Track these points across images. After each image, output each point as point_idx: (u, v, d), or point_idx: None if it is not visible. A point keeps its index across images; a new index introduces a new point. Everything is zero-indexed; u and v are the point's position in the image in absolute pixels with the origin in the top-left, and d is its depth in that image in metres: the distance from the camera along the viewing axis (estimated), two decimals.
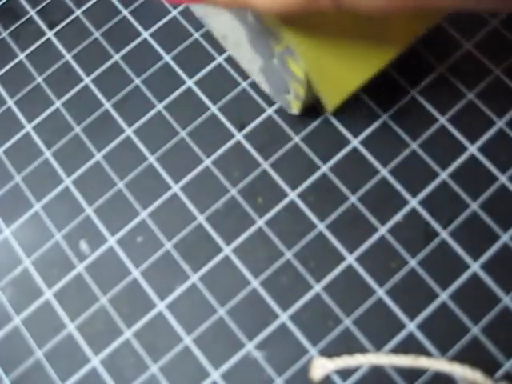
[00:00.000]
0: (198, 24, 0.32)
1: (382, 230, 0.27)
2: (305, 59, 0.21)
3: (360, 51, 0.22)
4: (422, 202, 0.28)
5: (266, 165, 0.29)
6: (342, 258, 0.27)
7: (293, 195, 0.28)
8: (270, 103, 0.30)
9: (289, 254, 0.28)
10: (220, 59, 0.31)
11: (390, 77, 0.30)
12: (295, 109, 0.28)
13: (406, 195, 0.28)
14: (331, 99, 0.23)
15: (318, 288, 0.27)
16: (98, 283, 0.28)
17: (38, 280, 0.28)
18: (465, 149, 0.28)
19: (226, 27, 0.28)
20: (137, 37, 0.32)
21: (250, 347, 0.26)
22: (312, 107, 0.30)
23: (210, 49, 0.31)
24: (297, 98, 0.26)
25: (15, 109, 0.32)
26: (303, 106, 0.27)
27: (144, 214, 0.29)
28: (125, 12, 0.33)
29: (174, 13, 0.32)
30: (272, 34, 0.23)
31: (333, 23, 0.21)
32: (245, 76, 0.31)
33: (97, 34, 0.33)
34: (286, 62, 0.24)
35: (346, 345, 0.26)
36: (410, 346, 0.26)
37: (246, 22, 0.24)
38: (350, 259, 0.27)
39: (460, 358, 0.25)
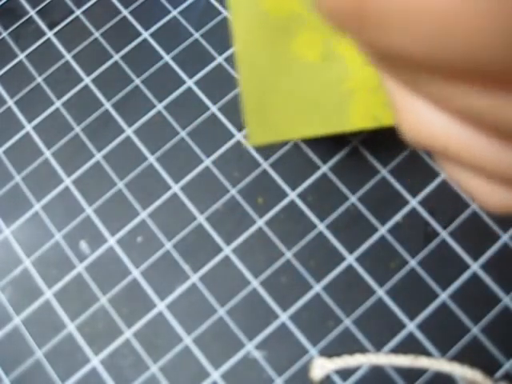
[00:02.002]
0: (198, 24, 0.32)
1: (382, 230, 0.27)
2: (242, 85, 0.21)
3: (307, 109, 0.22)
4: (422, 202, 0.28)
5: (265, 165, 0.29)
6: (342, 258, 0.27)
7: (293, 195, 0.28)
8: None
9: (289, 254, 0.28)
10: (220, 59, 0.31)
11: None
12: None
13: (406, 195, 0.28)
14: (253, 135, 0.22)
15: (317, 288, 0.27)
16: (98, 283, 0.28)
17: (38, 280, 0.28)
18: None
19: None
20: (137, 37, 0.32)
21: (249, 347, 0.26)
22: None
23: (210, 49, 0.31)
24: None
25: (15, 109, 0.32)
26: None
27: (144, 214, 0.29)
28: (125, 12, 0.33)
29: (174, 13, 0.32)
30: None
31: (296, 74, 0.21)
32: None
33: (97, 34, 0.33)
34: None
35: (345, 345, 0.26)
36: (410, 346, 0.26)
37: None
38: (350, 259, 0.27)
39: (460, 358, 0.25)
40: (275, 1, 0.21)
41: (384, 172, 0.28)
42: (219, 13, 0.32)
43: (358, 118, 0.22)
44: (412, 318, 0.26)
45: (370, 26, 0.06)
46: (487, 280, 0.26)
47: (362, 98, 0.22)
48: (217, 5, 0.32)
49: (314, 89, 0.22)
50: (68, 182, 0.30)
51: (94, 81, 0.32)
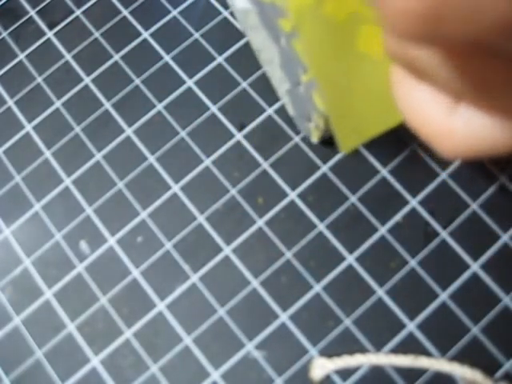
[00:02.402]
0: (198, 24, 0.32)
1: (382, 230, 0.27)
2: (326, 98, 0.21)
3: (386, 102, 0.22)
4: (422, 202, 0.28)
5: (265, 165, 0.29)
6: (342, 258, 0.27)
7: (293, 195, 0.28)
8: (270, 103, 0.30)
9: (289, 254, 0.28)
10: (220, 59, 0.31)
11: None
12: (315, 137, 0.28)
13: (406, 195, 0.28)
14: (345, 142, 0.22)
15: (318, 288, 0.27)
16: (97, 283, 0.28)
17: (38, 280, 0.28)
18: None
19: (262, 44, 0.28)
20: (137, 37, 0.32)
21: (249, 347, 0.26)
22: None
23: (210, 49, 0.31)
24: (317, 128, 0.26)
25: (15, 109, 0.32)
26: (323, 137, 0.27)
27: (144, 214, 0.29)
28: (125, 12, 0.33)
29: (174, 13, 0.32)
30: (299, 63, 0.23)
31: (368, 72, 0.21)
32: (245, 76, 0.31)
33: (97, 34, 0.33)
34: (311, 92, 0.24)
35: (345, 345, 0.26)
36: (409, 346, 0.26)
37: (279, 44, 0.24)
38: (350, 259, 0.27)
39: (460, 358, 0.25)
40: (335, 1, 0.21)
41: (384, 172, 0.28)
42: (219, 13, 0.32)
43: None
44: (412, 317, 0.26)
45: (447, 21, 0.08)
46: (487, 280, 0.26)
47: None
48: (217, 5, 0.32)
49: (382, 84, 0.22)
50: (68, 181, 0.30)
51: (93, 81, 0.32)
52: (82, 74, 0.32)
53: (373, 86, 0.22)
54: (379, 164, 0.29)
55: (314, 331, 0.26)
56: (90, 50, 0.32)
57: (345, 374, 0.26)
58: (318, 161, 0.29)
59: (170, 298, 0.27)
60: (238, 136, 0.30)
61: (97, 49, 0.32)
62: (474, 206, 0.27)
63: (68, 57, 0.32)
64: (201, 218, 0.29)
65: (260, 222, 0.28)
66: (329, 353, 0.26)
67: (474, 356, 0.25)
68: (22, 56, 0.33)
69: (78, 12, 0.33)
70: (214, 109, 0.30)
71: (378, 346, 0.26)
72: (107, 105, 0.31)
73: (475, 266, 0.27)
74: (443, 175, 0.28)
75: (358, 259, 0.27)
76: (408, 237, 0.27)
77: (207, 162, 0.30)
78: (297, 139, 0.29)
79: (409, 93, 0.15)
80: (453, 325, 0.26)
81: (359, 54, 0.22)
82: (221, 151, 0.30)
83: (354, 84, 0.22)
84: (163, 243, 0.28)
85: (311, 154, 0.29)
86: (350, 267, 0.27)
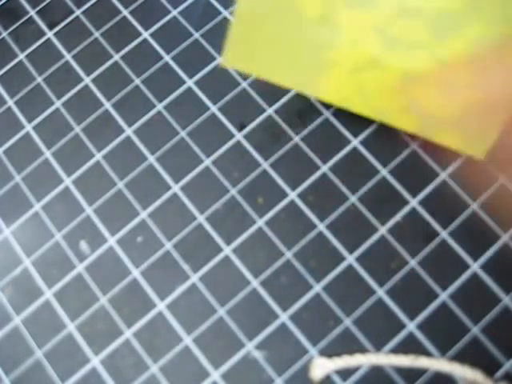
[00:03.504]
0: (198, 24, 0.32)
1: (382, 230, 0.27)
2: (238, 12, 0.22)
3: (287, 60, 0.23)
4: (422, 202, 0.28)
5: (265, 165, 0.29)
6: (342, 258, 0.27)
7: (293, 195, 0.28)
8: (270, 103, 0.30)
9: (289, 254, 0.28)
10: (220, 59, 0.31)
11: None
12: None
13: (406, 195, 0.28)
14: (229, 58, 0.24)
15: (318, 288, 0.27)
16: (98, 283, 0.28)
17: (38, 280, 0.28)
18: None
19: None
20: (137, 37, 0.32)
21: (250, 347, 0.26)
22: (311, 106, 0.30)
23: (210, 49, 0.31)
24: None
25: (15, 109, 0.32)
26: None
27: (144, 214, 0.29)
28: (125, 12, 0.33)
29: (174, 13, 0.32)
30: None
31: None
32: (245, 76, 0.31)
33: (97, 34, 0.33)
34: None
35: (345, 345, 0.26)
36: (410, 346, 0.26)
37: None
38: (350, 259, 0.27)
39: (460, 358, 0.25)
40: None
41: (384, 172, 0.28)
42: (219, 13, 0.32)
43: (328, 91, 0.23)
44: (412, 317, 0.26)
45: None
46: (487, 280, 0.26)
47: (340, 73, 0.23)
48: (217, 5, 0.32)
49: (301, 44, 0.23)
50: (68, 181, 0.30)
51: (93, 81, 0.32)
52: (82, 73, 0.32)
53: (288, 40, 0.23)
54: (379, 164, 0.29)
55: (314, 331, 0.26)
56: (89, 50, 0.32)
57: (345, 374, 0.26)
58: (317, 161, 0.29)
59: (169, 298, 0.27)
60: (238, 136, 0.30)
61: (97, 49, 0.32)
62: (474, 205, 0.27)
63: (68, 57, 0.32)
64: (201, 218, 0.29)
65: (260, 222, 0.28)
66: (329, 353, 0.26)
67: (474, 356, 0.25)
68: (22, 56, 0.33)
69: (78, 12, 0.33)
70: (214, 109, 0.30)
71: (378, 346, 0.26)
72: (107, 105, 0.31)
73: (475, 266, 0.27)
74: (443, 175, 0.28)
75: (358, 259, 0.27)
76: (408, 237, 0.27)
77: (207, 161, 0.30)
78: (297, 139, 0.29)
79: None
80: (453, 325, 0.26)
81: (294, 4, 0.22)
82: (221, 151, 0.30)
83: (273, 25, 0.22)
84: (163, 243, 0.28)
85: (311, 154, 0.29)
86: (349, 267, 0.27)
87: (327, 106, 0.30)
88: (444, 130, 0.23)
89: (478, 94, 0.22)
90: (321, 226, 0.28)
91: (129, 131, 0.30)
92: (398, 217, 0.28)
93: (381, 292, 0.27)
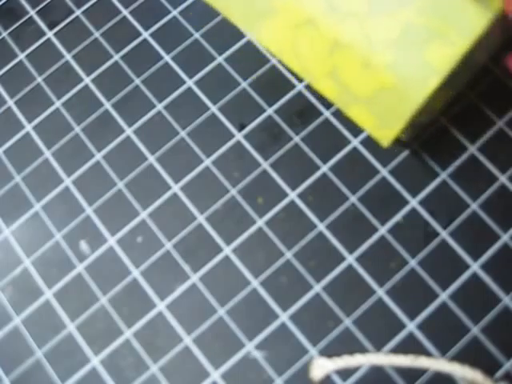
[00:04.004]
0: (197, 24, 0.32)
1: (382, 230, 0.27)
2: None
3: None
4: (422, 202, 0.28)
5: (265, 165, 0.29)
6: (342, 258, 0.27)
7: (293, 195, 0.28)
8: (270, 103, 0.30)
9: (289, 254, 0.28)
10: (220, 59, 0.31)
11: None
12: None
13: (406, 195, 0.28)
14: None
15: (317, 288, 0.27)
16: (97, 283, 0.28)
17: (38, 280, 0.28)
18: (465, 149, 0.28)
19: None
20: (137, 37, 0.32)
21: (250, 347, 0.26)
22: (311, 107, 0.29)
23: (210, 49, 0.31)
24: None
25: (15, 109, 0.32)
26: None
27: (144, 214, 0.29)
28: (125, 12, 0.33)
29: (174, 13, 0.32)
30: None
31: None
32: (245, 76, 0.31)
33: (97, 34, 0.33)
34: None
35: (345, 345, 0.26)
36: (409, 346, 0.26)
37: None
38: (350, 259, 0.27)
39: (460, 358, 0.25)
40: None
41: (384, 172, 0.28)
42: (219, 13, 0.32)
43: (267, 38, 0.25)
44: (412, 317, 0.26)
45: None
46: (487, 280, 0.26)
47: (280, 23, 0.24)
48: None
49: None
50: (68, 181, 0.30)
51: (93, 81, 0.32)
52: (82, 74, 0.32)
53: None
54: (379, 164, 0.29)
55: (314, 331, 0.26)
56: (89, 50, 0.32)
57: (345, 374, 0.26)
58: (317, 161, 0.29)
59: (169, 298, 0.27)
60: (238, 136, 0.30)
61: (97, 49, 0.32)
62: (474, 205, 0.27)
63: (68, 57, 0.32)
64: (201, 218, 0.29)
65: (260, 222, 0.28)
66: (329, 353, 0.26)
67: (474, 356, 0.25)
68: (22, 56, 0.33)
69: (78, 12, 0.33)
70: (214, 109, 0.30)
71: (378, 346, 0.26)
72: (107, 105, 0.31)
73: (475, 266, 0.27)
74: (443, 175, 0.28)
75: (358, 259, 0.27)
76: (408, 237, 0.27)
77: (207, 162, 0.30)
78: (297, 139, 0.29)
79: None
80: (453, 325, 0.26)
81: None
82: (221, 151, 0.30)
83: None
84: (163, 243, 0.28)
85: (311, 154, 0.29)
86: (350, 267, 0.27)
87: (327, 106, 0.30)
88: (357, 106, 0.24)
89: (394, 79, 0.23)
90: (321, 226, 0.28)
91: (129, 131, 0.30)
92: (398, 217, 0.28)
93: (381, 292, 0.27)
